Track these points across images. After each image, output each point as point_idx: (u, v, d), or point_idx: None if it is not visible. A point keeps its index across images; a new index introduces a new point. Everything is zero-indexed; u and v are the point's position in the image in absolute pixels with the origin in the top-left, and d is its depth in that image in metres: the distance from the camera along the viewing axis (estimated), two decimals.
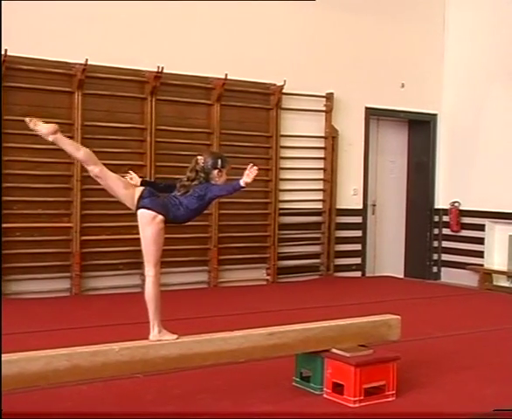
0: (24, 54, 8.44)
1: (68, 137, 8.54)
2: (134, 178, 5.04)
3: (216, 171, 4.95)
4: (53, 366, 4.20)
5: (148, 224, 4.74)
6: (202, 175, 4.90)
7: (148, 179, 5.28)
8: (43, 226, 8.72)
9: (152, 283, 4.80)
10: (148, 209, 4.74)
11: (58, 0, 8.65)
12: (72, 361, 4.25)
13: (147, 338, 4.74)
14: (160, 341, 4.70)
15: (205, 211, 5.40)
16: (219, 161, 4.98)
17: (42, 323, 7.18)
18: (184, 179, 4.92)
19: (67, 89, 8.82)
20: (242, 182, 4.74)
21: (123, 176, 4.91)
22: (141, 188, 4.85)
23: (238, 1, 9.91)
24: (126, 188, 4.80)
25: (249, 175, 4.73)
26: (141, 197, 4.78)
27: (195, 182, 4.88)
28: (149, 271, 4.81)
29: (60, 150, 9.30)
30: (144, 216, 4.75)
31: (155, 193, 4.87)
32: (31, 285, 8.59)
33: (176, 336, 4.77)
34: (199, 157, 4.99)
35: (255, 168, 4.75)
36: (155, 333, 4.75)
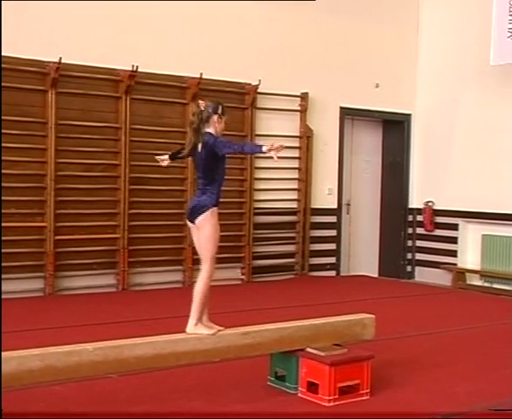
0: None
1: (42, 136, 8.60)
2: (165, 160, 5.26)
3: (216, 116, 5.01)
4: (26, 366, 4.17)
5: (204, 224, 4.90)
6: (199, 122, 4.94)
7: (173, 152, 5.37)
8: (16, 226, 8.62)
9: (202, 279, 4.95)
10: (199, 214, 4.90)
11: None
12: (45, 362, 4.23)
13: (121, 337, 4.73)
14: (186, 335, 4.79)
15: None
16: (220, 107, 5.06)
17: (15, 323, 7.10)
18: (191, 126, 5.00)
19: (41, 87, 8.74)
20: (265, 148, 4.72)
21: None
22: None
23: (214, 1, 9.89)
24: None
25: (277, 148, 4.68)
26: (189, 215, 4.99)
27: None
28: (203, 266, 4.97)
29: (34, 149, 9.20)
30: (199, 221, 4.90)
31: (192, 198, 5.05)
32: (5, 285, 8.49)
33: (213, 331, 4.86)
34: (200, 101, 5.07)
35: (282, 145, 4.74)
36: (191, 325, 4.86)
